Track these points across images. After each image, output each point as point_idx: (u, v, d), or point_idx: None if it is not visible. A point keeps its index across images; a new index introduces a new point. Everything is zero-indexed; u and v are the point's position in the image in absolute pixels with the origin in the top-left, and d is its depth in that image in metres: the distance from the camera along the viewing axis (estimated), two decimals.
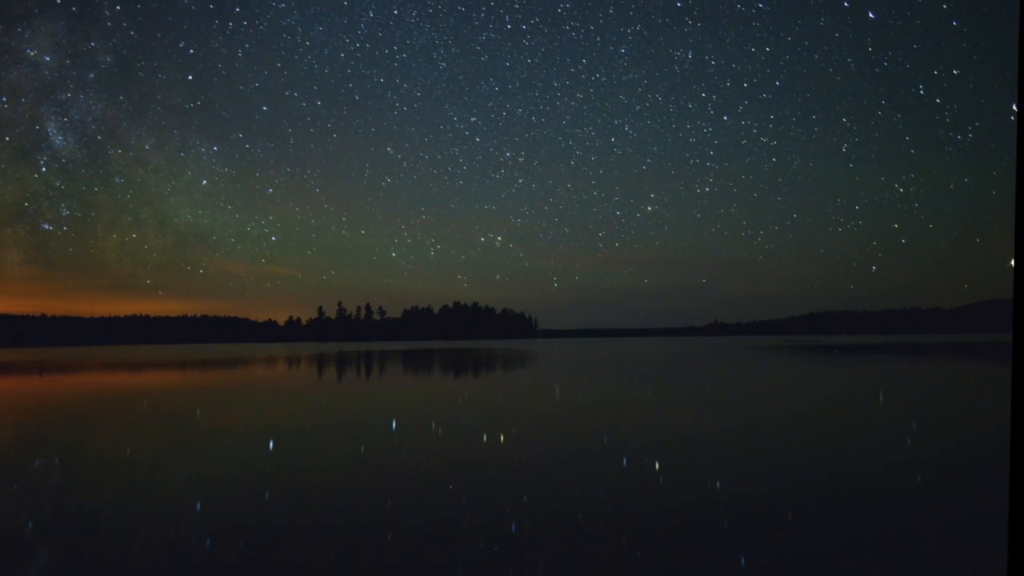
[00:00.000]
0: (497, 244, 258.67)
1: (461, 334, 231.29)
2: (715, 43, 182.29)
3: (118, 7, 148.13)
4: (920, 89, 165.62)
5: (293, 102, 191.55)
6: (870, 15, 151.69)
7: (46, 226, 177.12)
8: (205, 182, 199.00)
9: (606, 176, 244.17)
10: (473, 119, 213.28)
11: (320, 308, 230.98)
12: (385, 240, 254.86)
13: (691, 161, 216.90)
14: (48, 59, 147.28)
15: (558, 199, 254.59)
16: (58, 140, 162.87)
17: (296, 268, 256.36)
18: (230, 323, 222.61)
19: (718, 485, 8.00)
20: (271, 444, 11.44)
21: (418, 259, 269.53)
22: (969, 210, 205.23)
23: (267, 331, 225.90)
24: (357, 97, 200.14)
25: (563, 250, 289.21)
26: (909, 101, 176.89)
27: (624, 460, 9.63)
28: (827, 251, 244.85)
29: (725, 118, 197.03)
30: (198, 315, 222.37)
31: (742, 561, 5.33)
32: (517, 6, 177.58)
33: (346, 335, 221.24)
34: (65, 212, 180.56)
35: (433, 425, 13.69)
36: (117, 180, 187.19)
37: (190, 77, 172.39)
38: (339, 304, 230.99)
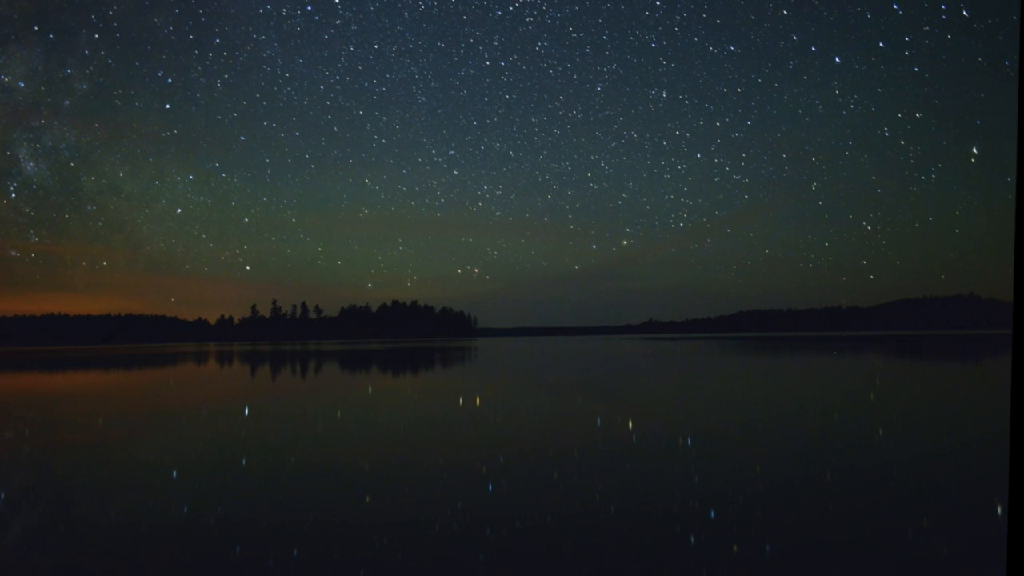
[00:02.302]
0: (474, 276, 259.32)
1: (400, 333, 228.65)
2: (689, 83, 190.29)
3: (96, 36, 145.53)
4: (885, 131, 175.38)
5: (271, 132, 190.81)
6: (836, 60, 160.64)
7: (13, 253, 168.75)
8: (179, 210, 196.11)
9: (582, 210, 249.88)
10: (451, 152, 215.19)
11: (254, 307, 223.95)
12: (361, 271, 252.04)
13: (666, 197, 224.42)
14: (23, 85, 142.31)
15: (535, 232, 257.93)
16: (29, 166, 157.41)
17: (267, 298, 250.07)
18: (157, 322, 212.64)
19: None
20: None
21: (394, 290, 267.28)
22: (934, 248, 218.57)
23: (197, 330, 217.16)
24: (336, 129, 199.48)
25: (538, 283, 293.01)
26: (874, 142, 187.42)
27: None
28: (798, 286, 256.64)
29: (699, 155, 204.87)
30: (122, 314, 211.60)
31: None
32: (496, 43, 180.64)
33: (281, 334, 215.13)
34: (34, 239, 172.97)
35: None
36: (89, 207, 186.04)
37: (168, 106, 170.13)
38: (274, 302, 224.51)
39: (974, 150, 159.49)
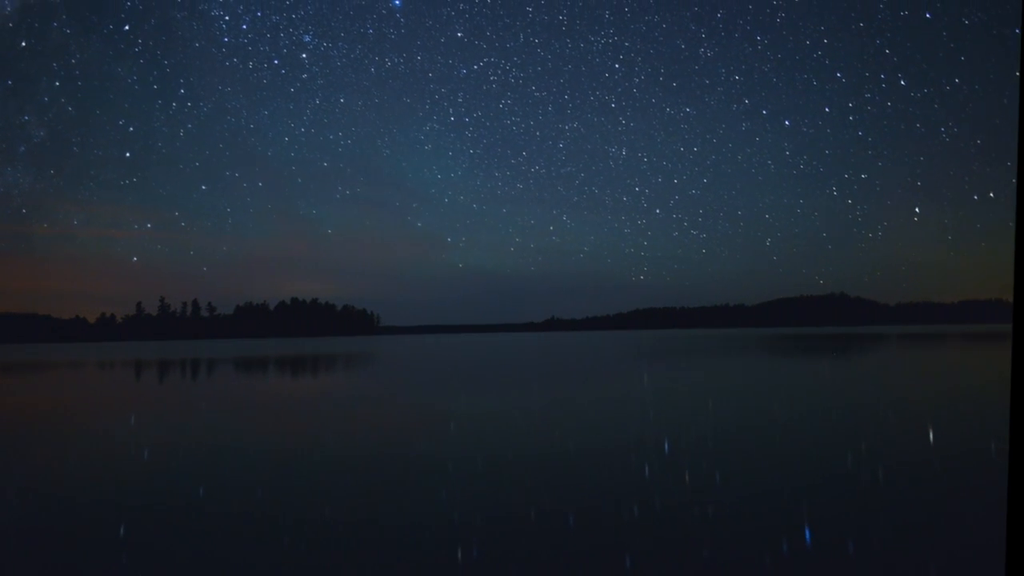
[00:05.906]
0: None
1: (299, 331, 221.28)
2: (647, 142, 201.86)
3: (57, 83, 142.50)
4: (833, 190, 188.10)
5: (234, 182, 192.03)
6: (786, 123, 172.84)
7: None
8: (136, 259, 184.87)
9: (545, 263, 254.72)
10: (415, 205, 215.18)
11: (139, 304, 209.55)
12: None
13: (626, 251, 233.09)
14: None
15: (498, 284, 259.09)
16: None
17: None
18: (25, 321, 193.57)
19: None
20: None
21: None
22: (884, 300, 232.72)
23: (73, 330, 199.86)
24: (300, 180, 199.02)
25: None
26: (824, 200, 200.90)
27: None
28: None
29: (657, 211, 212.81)
30: None
31: None
32: (460, 100, 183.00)
33: (170, 334, 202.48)
34: None
35: None
36: (39, 255, 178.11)
37: (128, 154, 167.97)
38: (161, 300, 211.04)
39: (916, 209, 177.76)
